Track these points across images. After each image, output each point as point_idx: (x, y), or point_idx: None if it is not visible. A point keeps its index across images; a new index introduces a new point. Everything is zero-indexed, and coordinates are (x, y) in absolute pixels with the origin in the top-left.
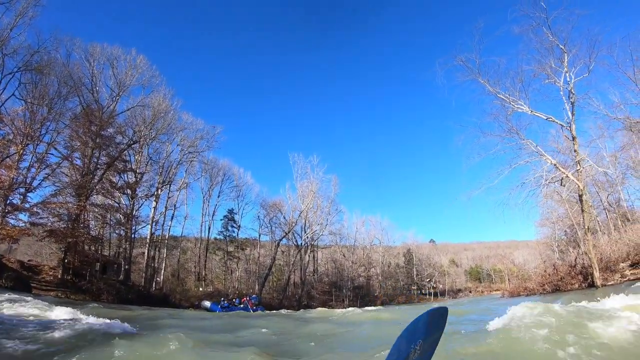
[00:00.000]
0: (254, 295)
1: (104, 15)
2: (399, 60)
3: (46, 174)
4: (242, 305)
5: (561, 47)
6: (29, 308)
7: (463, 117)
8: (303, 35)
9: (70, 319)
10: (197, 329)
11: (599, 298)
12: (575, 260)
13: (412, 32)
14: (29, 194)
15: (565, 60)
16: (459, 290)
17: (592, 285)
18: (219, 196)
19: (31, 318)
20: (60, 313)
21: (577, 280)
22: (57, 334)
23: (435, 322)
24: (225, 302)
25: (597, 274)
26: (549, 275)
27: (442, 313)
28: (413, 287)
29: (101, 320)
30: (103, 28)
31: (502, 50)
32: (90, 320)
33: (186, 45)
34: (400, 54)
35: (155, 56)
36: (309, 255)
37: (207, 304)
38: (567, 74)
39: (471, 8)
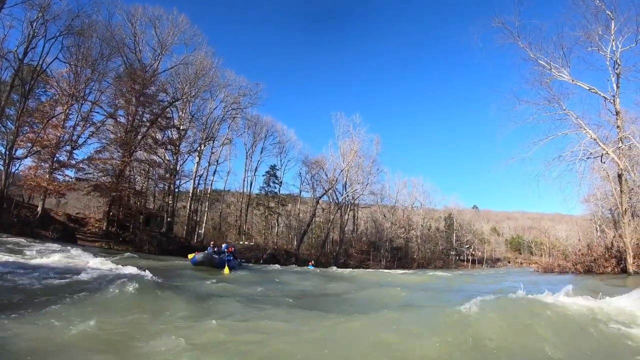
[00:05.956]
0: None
1: None
2: (437, 21)
3: (91, 131)
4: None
5: (608, 12)
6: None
7: (500, 83)
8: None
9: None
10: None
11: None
12: (611, 242)
13: None
14: (75, 151)
15: (612, 28)
16: (498, 260)
17: (624, 270)
18: (261, 152)
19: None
20: (93, 261)
21: (610, 263)
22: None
23: None
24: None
25: (630, 259)
26: (583, 255)
27: None
28: (452, 253)
29: (126, 269)
30: None
31: (544, 13)
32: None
33: (232, 6)
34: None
35: (198, 16)
36: (348, 214)
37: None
38: (613, 43)
39: None
